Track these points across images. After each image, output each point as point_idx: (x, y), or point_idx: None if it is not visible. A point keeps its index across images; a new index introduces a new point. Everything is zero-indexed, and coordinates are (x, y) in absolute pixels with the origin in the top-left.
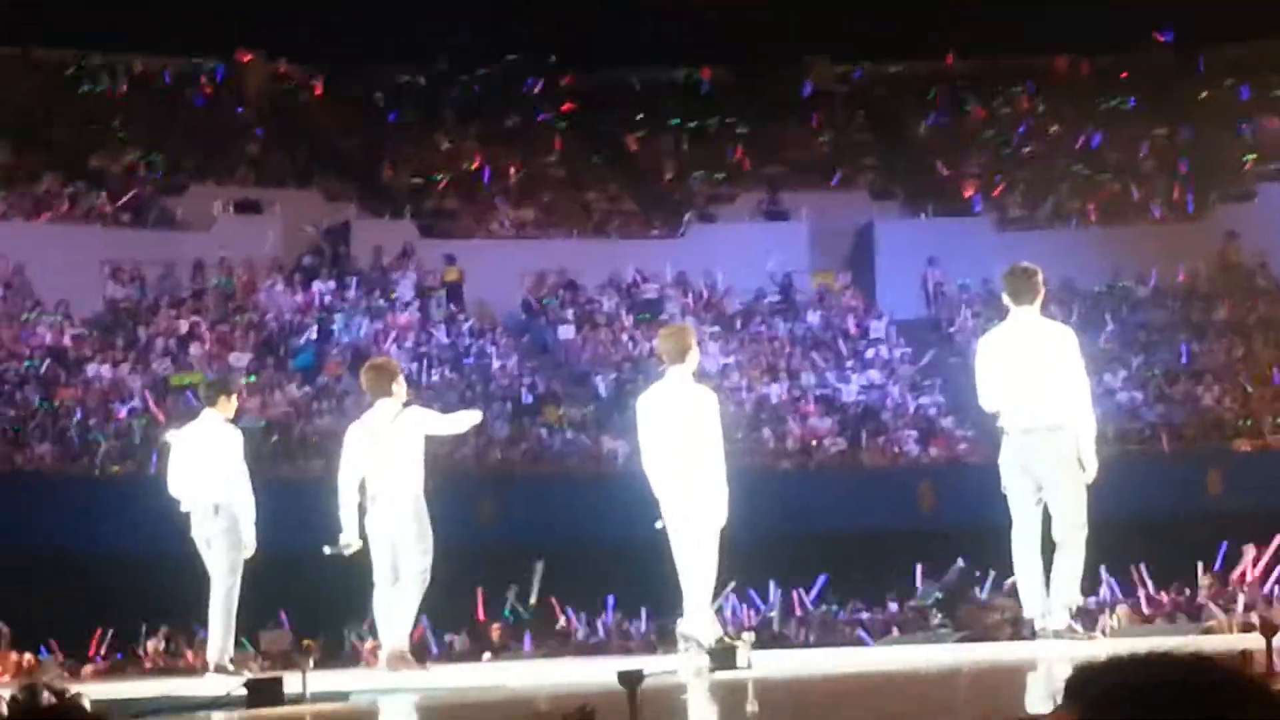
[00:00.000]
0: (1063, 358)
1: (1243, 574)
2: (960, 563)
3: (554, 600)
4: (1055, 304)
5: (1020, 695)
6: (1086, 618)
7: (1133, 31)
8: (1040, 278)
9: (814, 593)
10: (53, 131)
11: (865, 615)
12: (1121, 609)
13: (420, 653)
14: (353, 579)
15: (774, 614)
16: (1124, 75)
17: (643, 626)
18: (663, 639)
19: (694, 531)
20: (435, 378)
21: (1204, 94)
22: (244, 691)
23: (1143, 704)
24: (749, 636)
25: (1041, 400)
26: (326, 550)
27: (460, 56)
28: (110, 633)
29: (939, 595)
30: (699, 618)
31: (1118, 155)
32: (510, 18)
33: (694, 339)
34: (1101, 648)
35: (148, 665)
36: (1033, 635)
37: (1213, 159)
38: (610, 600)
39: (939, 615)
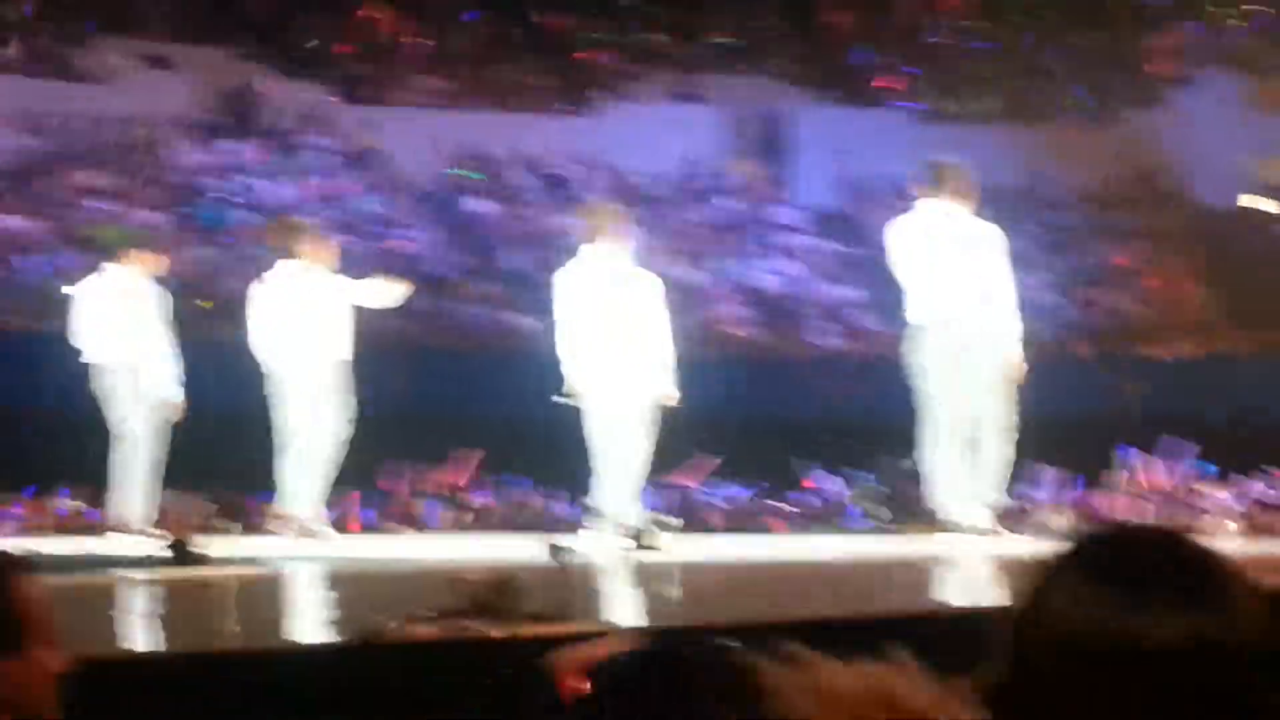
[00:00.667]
0: (992, 257)
1: (1145, 478)
2: (904, 458)
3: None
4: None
5: (939, 588)
6: (1030, 515)
7: None
8: (956, 171)
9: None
10: None
11: (780, 505)
12: (1071, 509)
13: (338, 524)
14: (265, 443)
15: (695, 500)
16: None
17: (553, 504)
18: (580, 519)
19: (623, 411)
20: (348, 247)
21: None
22: (166, 553)
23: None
24: (671, 520)
25: (969, 298)
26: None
27: None
28: (21, 492)
29: (879, 487)
30: (627, 499)
31: (1035, 53)
32: None
33: (616, 217)
34: (1021, 546)
35: (60, 525)
36: (951, 530)
37: (1127, 63)
38: (515, 477)
39: (877, 507)
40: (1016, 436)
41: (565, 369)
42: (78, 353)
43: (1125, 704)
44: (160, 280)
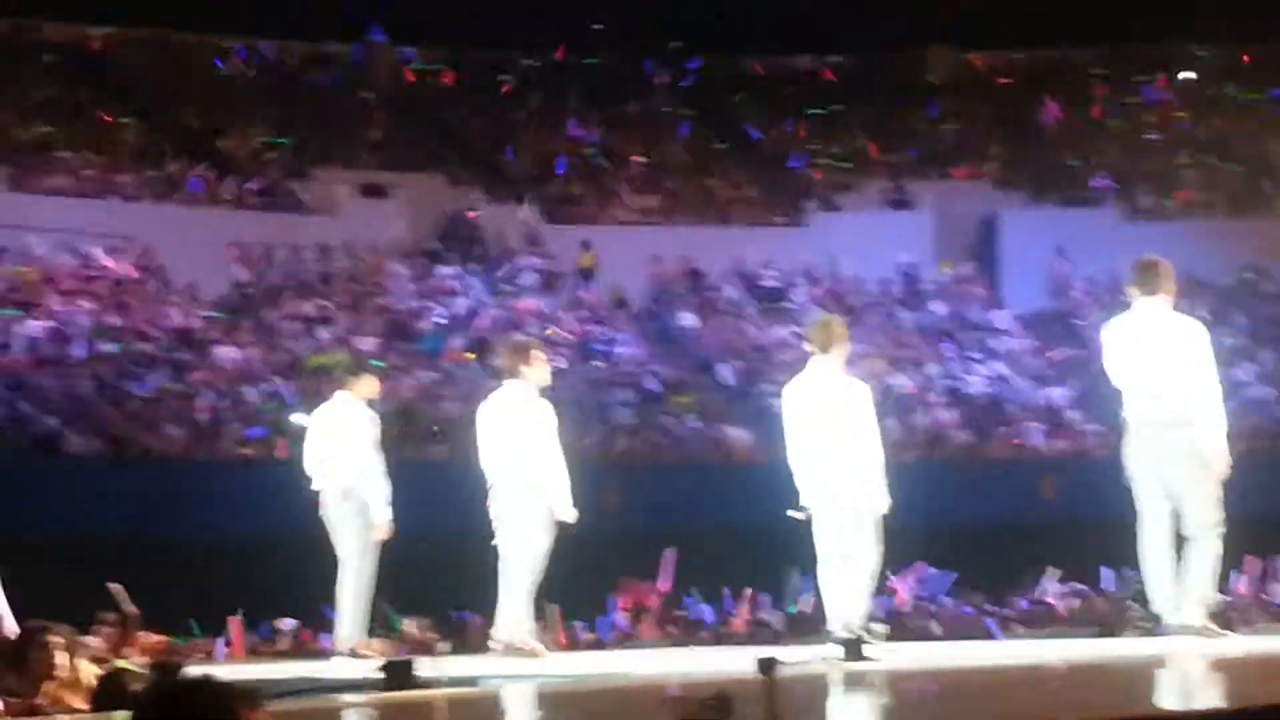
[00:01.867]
0: (1193, 352)
1: None
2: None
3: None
4: (1183, 297)
5: (1151, 692)
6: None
7: (1264, 21)
8: (1168, 269)
9: (943, 587)
10: (182, 113)
11: (993, 609)
12: None
13: (545, 640)
14: (482, 562)
15: (908, 607)
16: (1252, 64)
17: (768, 615)
18: (791, 628)
19: (851, 520)
20: (562, 364)
21: None
22: (379, 674)
23: None
24: (880, 629)
25: (1171, 396)
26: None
27: (585, 41)
28: (242, 618)
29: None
30: (854, 609)
31: (1247, 147)
32: (636, 3)
33: (843, 330)
34: (1234, 645)
35: (280, 649)
36: (1162, 632)
37: None
38: (728, 590)
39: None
40: (1223, 531)
41: (800, 483)
42: (299, 480)
43: None
44: (372, 404)
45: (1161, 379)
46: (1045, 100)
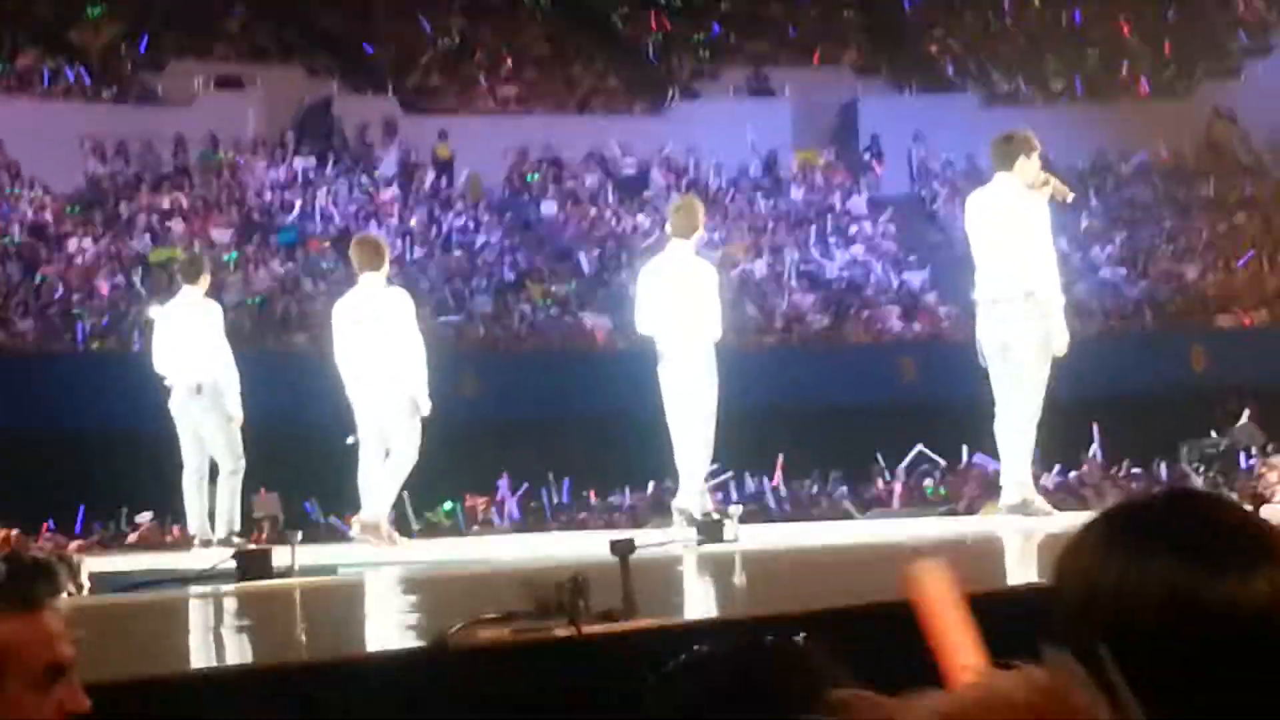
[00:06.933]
0: (1030, 224)
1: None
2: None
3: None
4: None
5: (1000, 569)
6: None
7: None
8: (1022, 141)
9: (776, 473)
10: (34, 4)
11: (847, 489)
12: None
13: (400, 527)
14: (339, 453)
15: (765, 489)
16: None
17: (625, 500)
18: (649, 512)
19: (691, 404)
20: (418, 254)
21: None
22: (232, 564)
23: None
24: (736, 510)
25: (1018, 270)
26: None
27: None
28: (96, 510)
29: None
30: (692, 491)
31: (1104, 30)
32: None
33: (703, 215)
34: (1063, 523)
35: (134, 540)
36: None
37: (1200, 35)
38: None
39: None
40: (1038, 415)
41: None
42: (153, 374)
43: (1229, 671)
44: (213, 295)
45: (1010, 253)
46: None
